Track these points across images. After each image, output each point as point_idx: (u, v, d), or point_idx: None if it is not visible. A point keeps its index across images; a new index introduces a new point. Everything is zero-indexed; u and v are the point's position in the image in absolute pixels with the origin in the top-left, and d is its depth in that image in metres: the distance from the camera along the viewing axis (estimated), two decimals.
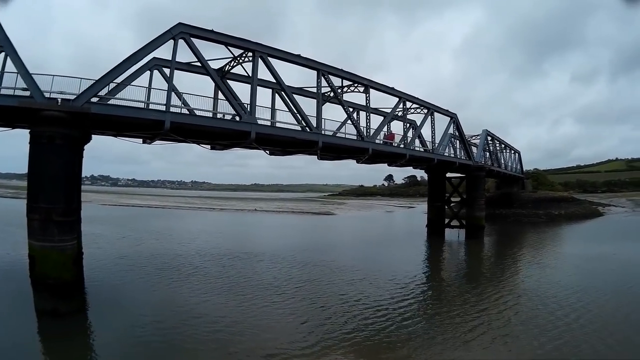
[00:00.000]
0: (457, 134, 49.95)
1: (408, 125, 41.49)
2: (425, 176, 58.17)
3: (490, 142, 62.70)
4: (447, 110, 47.32)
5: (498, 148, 68.02)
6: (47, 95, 20.14)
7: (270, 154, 32.97)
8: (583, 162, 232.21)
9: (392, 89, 37.36)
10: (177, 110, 24.14)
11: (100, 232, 43.95)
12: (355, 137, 33.59)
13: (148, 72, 25.64)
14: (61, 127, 19.60)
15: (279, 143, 29.94)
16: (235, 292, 23.60)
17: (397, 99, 38.13)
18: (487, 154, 60.81)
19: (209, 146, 29.20)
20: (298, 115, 29.05)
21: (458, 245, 48.24)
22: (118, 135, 26.41)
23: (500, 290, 25.75)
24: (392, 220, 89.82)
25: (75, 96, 20.50)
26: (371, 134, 34.74)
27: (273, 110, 30.12)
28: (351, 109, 34.84)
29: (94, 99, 21.17)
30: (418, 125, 43.49)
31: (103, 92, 21.71)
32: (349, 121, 33.40)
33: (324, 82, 30.45)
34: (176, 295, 22.87)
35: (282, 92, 29.80)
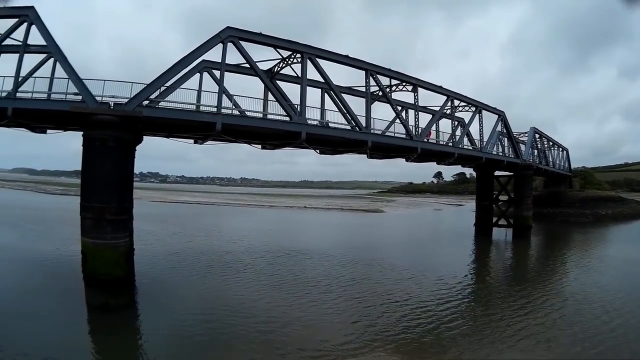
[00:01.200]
0: (505, 131, 48.05)
1: (456, 123, 40.03)
2: (475, 173, 56.12)
3: (538, 139, 60.15)
4: (495, 108, 45.39)
5: (546, 146, 65.32)
6: (98, 99, 20.08)
7: (321, 153, 32.02)
8: (631, 159, 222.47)
9: (440, 87, 35.92)
10: (228, 111, 23.51)
11: (150, 229, 43.96)
12: (403, 136, 32.32)
13: (197, 75, 25.17)
14: (113, 130, 19.36)
15: (328, 143, 28.99)
16: (284, 290, 22.92)
17: (444, 97, 36.70)
18: (535, 151, 58.44)
19: (259, 146, 28.56)
20: (347, 115, 28.05)
21: (505, 245, 46.20)
22: (170, 137, 26.04)
23: (546, 292, 24.44)
24: (440, 218, 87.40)
25: (126, 100, 20.31)
26: (419, 132, 33.46)
27: (322, 110, 29.24)
28: (399, 108, 33.55)
29: (145, 102, 20.83)
30: (466, 123, 42.05)
31: (153, 95, 21.38)
32: (397, 120, 32.28)
33: (372, 82, 29.37)
34: (225, 292, 22.34)
35: (331, 92, 28.93)
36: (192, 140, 27.14)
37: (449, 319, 19.26)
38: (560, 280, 28.73)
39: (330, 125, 27.49)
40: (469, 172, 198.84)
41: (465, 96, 39.83)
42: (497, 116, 45.88)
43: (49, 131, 25.68)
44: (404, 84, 33.33)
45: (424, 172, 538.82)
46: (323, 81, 27.90)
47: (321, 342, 15.83)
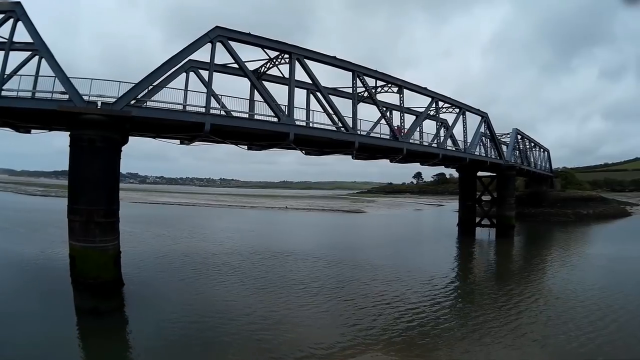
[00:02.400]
0: (487, 133, 48.77)
1: (440, 124, 40.57)
2: (455, 174, 56.77)
3: (520, 140, 61.19)
4: (479, 110, 46.11)
5: (527, 146, 66.46)
6: (85, 98, 19.95)
7: (306, 153, 32.32)
8: (611, 159, 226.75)
9: (425, 89, 36.43)
10: (216, 112, 23.69)
11: (133, 231, 43.80)
12: (388, 137, 32.82)
13: (183, 74, 25.35)
14: (101, 130, 19.32)
15: (316, 143, 29.30)
16: (273, 293, 22.98)
17: (429, 99, 37.23)
18: (517, 152, 59.35)
19: (246, 146, 28.69)
20: (334, 116, 28.37)
21: (489, 244, 46.91)
22: (157, 137, 26.04)
23: (535, 291, 24.86)
24: (422, 218, 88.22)
25: (114, 99, 20.28)
26: (405, 133, 33.90)
27: (308, 111, 29.46)
28: (384, 109, 33.96)
29: (132, 101, 20.87)
30: (449, 124, 42.62)
31: (140, 95, 21.40)
32: (383, 121, 32.78)
33: (358, 83, 29.71)
34: (214, 295, 22.37)
35: (318, 93, 29.18)
36: (179, 141, 27.25)
37: (440, 319, 19.46)
38: (547, 278, 29.25)
39: (316, 126, 27.81)
40: (449, 172, 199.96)
41: (450, 98, 40.45)
42: (480, 117, 46.54)
43: (33, 131, 25.53)
44: (389, 85, 33.71)
45: (403, 172, 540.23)
46: (309, 82, 28.17)
47: (314, 344, 15.93)
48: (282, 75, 28.96)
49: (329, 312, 20.11)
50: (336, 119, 28.32)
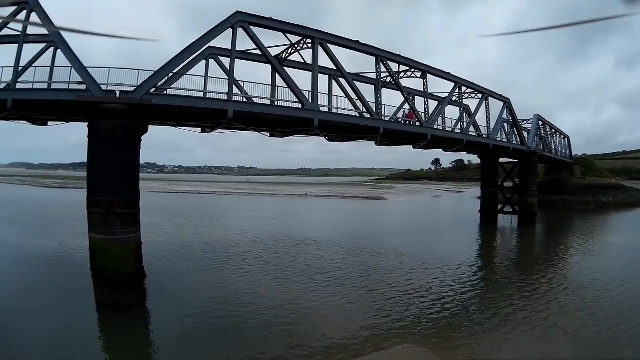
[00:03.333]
0: (510, 119, 47.33)
1: (462, 110, 39.28)
2: (474, 160, 55.36)
3: (540, 126, 59.50)
4: (501, 95, 44.56)
5: (548, 133, 64.79)
6: (103, 88, 19.11)
7: (329, 140, 31.16)
8: (628, 147, 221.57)
9: (448, 74, 35.11)
10: (238, 99, 22.65)
11: (154, 221, 42.97)
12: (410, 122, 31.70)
13: (203, 63, 24.53)
14: (121, 120, 18.46)
15: (340, 129, 28.22)
16: (298, 283, 22.21)
17: (452, 84, 35.94)
18: (537, 139, 57.70)
19: (268, 133, 27.74)
20: (358, 101, 27.16)
21: (511, 232, 45.48)
22: (178, 126, 25.14)
23: (561, 280, 23.91)
24: (442, 205, 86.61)
25: (132, 88, 19.42)
26: (429, 119, 32.71)
27: (330, 97, 28.38)
28: (408, 94, 32.67)
29: (152, 90, 20.00)
30: (471, 110, 41.22)
31: (160, 83, 20.51)
32: (407, 107, 31.65)
33: (382, 68, 28.49)
34: (238, 286, 21.50)
35: (341, 79, 28.23)
36: (200, 129, 26.39)
37: (469, 310, 18.71)
38: (573, 267, 27.93)
39: (340, 112, 26.77)
40: (468, 159, 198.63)
41: (473, 83, 39.09)
42: (502, 103, 45.10)
43: (50, 123, 24.69)
44: (412, 70, 32.46)
45: (421, 158, 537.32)
46: (331, 68, 27.32)
47: (344, 337, 15.23)
48: (303, 62, 28.05)
49: (356, 303, 19.26)
50: (360, 105, 27.14)
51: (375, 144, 32.33)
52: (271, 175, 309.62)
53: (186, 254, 28.43)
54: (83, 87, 19.21)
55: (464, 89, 38.17)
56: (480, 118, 42.08)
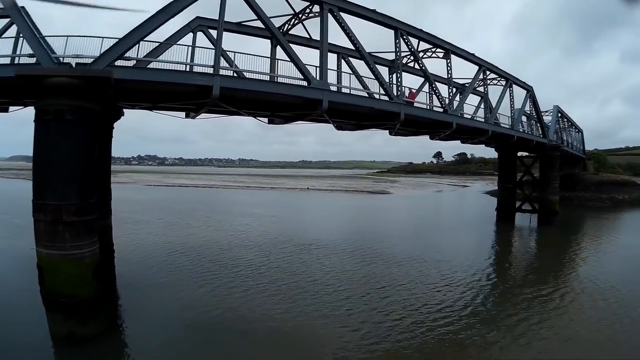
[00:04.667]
0: (532, 109, 42.44)
1: (482, 98, 34.25)
2: (476, 153, 50.82)
3: (559, 119, 54.55)
4: (525, 83, 39.69)
5: (564, 126, 59.79)
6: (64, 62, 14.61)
7: (338, 127, 26.06)
8: (631, 143, 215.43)
9: (473, 55, 30.05)
10: (228, 74, 17.69)
11: (144, 219, 38.81)
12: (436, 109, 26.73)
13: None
14: (73, 99, 13.60)
15: (352, 115, 23.05)
16: (301, 302, 17.58)
17: (476, 68, 31.02)
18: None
19: (266, 119, 22.85)
20: (375, 82, 22.10)
21: (531, 232, 40.82)
22: (154, 108, 20.10)
23: (595, 291, 20.02)
24: (451, 200, 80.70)
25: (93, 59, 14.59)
26: (454, 106, 27.78)
27: (339, 77, 23.38)
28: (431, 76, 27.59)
29: (122, 63, 15.26)
30: (489, 97, 36.00)
31: (133, 54, 15.93)
32: (427, 91, 26.81)
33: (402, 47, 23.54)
34: (230, 306, 16.96)
35: (351, 59, 23.42)
36: (184, 114, 21.52)
37: (480, 321, 16.16)
38: (606, 275, 23.07)
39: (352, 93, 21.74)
40: (470, 152, 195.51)
41: (497, 67, 34.11)
42: (525, 91, 40.23)
43: (11, 108, 19.68)
44: (434, 49, 27.55)
45: (423, 152, 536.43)
46: (340, 45, 23.45)
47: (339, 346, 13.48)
48: (308, 37, 23.20)
49: (364, 328, 15.12)
50: (377, 87, 22.11)
51: (390, 133, 27.45)
52: (272, 168, 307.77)
53: (173, 263, 23.46)
54: (34, 60, 14.73)
55: (486, 73, 33.13)
56: (502, 108, 37.20)
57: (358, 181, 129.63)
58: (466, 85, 31.12)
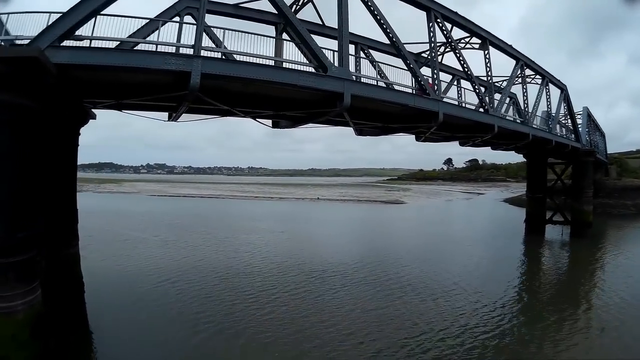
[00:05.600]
0: (565, 110, 37.60)
1: (512, 99, 29.28)
2: (488, 159, 46.44)
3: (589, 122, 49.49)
4: (559, 81, 34.90)
5: (587, 130, 54.77)
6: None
7: (359, 132, 21.37)
8: (636, 147, 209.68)
9: (511, 46, 25.42)
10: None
11: (138, 236, 34.36)
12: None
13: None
14: None
15: (379, 115, 18.43)
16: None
17: (513, 62, 26.30)
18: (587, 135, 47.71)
19: (269, 121, 18.16)
20: (406, 74, 17.28)
21: (564, 246, 36.10)
22: (122, 107, 15.38)
23: None
24: (469, 210, 74.58)
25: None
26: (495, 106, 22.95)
27: (358, 68, 18.78)
28: (465, 68, 22.34)
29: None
30: (518, 99, 31.06)
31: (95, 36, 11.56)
32: (460, 87, 22.12)
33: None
34: None
35: (369, 50, 18.65)
36: (167, 115, 16.87)
37: None
38: None
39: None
40: (482, 158, 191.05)
41: (534, 62, 29.35)
42: (560, 91, 35.44)
43: None
44: (469, 38, 22.83)
45: (432, 158, 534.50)
46: (357, 34, 18.97)
47: None
48: (320, 23, 18.53)
49: None
50: (408, 79, 17.35)
51: (418, 138, 22.83)
52: (281, 176, 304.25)
53: (160, 299, 18.59)
54: None
55: (524, 69, 28.30)
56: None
57: (369, 190, 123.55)
58: (492, 82, 26.13)
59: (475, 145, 27.33)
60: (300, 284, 21.25)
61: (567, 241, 37.91)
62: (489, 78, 23.10)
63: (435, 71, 17.85)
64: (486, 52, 22.84)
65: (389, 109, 16.86)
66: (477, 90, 21.18)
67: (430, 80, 17.69)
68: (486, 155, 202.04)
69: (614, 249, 34.00)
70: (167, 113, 16.69)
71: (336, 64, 13.76)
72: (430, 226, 48.56)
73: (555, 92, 34.85)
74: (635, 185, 69.58)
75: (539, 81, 31.68)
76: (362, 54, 20.09)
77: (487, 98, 21.93)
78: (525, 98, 28.76)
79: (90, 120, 15.95)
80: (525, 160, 42.69)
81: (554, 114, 33.63)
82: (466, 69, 20.96)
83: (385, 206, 75.09)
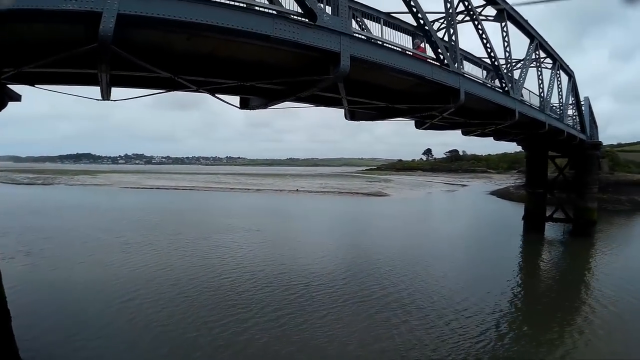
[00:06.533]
0: (572, 99, 33.84)
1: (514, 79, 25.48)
2: (469, 150, 43.36)
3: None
4: (568, 66, 31.09)
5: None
6: None
7: (351, 117, 17.01)
8: (618, 140, 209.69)
9: (527, 22, 21.35)
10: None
11: (100, 237, 30.02)
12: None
13: None
14: None
15: (381, 92, 14.20)
16: None
17: (527, 41, 22.39)
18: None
19: (237, 99, 13.88)
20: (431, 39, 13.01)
21: (567, 245, 33.07)
22: (33, 81, 10.97)
23: None
24: (456, 203, 70.36)
25: None
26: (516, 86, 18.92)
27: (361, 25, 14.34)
28: (484, 40, 18.36)
29: None
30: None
31: None
32: (480, 64, 18.01)
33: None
34: None
35: (363, 19, 14.24)
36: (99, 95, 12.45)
37: None
38: None
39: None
40: (462, 149, 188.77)
41: (548, 44, 25.45)
42: (567, 77, 31.65)
43: None
44: (484, 6, 18.71)
45: (410, 149, 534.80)
46: None
47: None
48: None
49: None
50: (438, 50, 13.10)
51: (420, 125, 18.82)
52: (259, 166, 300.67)
53: (104, 330, 14.24)
54: None
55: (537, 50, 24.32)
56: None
57: (350, 180, 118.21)
58: (511, 59, 22.01)
59: (484, 134, 23.49)
60: (281, 304, 17.01)
61: (571, 240, 34.71)
62: (507, 55, 19.00)
63: (454, 38, 13.68)
64: (503, 24, 18.83)
65: (397, 83, 12.70)
66: (499, 67, 17.12)
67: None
68: (466, 146, 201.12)
69: (622, 248, 31.25)
70: (98, 89, 12.25)
71: (330, 10, 9.56)
72: (419, 223, 44.49)
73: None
74: (629, 180, 66.70)
75: (548, 65, 27.87)
76: (354, 24, 15.81)
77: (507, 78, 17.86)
78: (540, 82, 24.82)
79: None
80: (505, 152, 40.09)
81: (563, 103, 29.81)
82: (486, 42, 16.83)
83: (368, 199, 70.65)
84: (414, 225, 42.62)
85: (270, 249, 27.78)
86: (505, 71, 17.95)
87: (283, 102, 12.77)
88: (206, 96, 11.72)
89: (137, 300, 17.13)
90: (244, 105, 13.81)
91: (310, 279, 20.48)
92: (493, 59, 16.94)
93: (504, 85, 17.44)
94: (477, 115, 18.43)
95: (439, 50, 12.43)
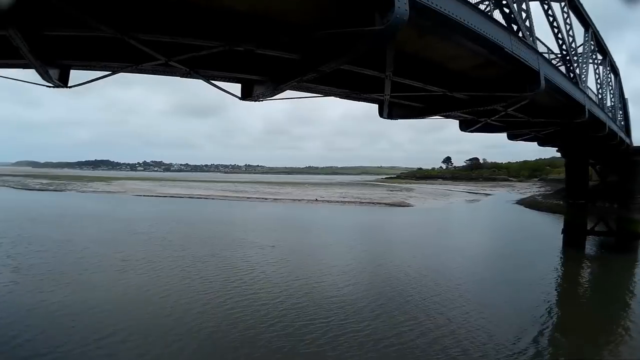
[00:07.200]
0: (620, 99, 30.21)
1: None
2: (489, 159, 39.95)
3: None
4: (615, 63, 27.48)
5: None
6: None
7: (388, 113, 13.35)
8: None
9: (583, 7, 17.98)
10: None
11: (100, 252, 26.89)
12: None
13: None
14: None
15: (437, 75, 10.51)
16: None
17: (582, 29, 18.86)
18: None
19: (238, 87, 10.65)
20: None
21: (614, 262, 29.86)
22: None
23: None
24: (485, 214, 66.11)
25: None
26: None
27: None
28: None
29: None
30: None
31: None
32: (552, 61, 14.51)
33: None
34: None
35: None
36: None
37: None
38: None
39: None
40: (483, 157, 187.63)
41: (600, 34, 22.01)
42: (613, 75, 28.00)
43: None
44: None
45: (429, 156, 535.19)
46: None
47: None
48: None
49: None
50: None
51: (464, 127, 15.32)
52: (278, 174, 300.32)
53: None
54: None
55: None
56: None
57: (370, 189, 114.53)
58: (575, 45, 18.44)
59: (537, 139, 19.93)
60: (295, 348, 13.63)
61: (615, 256, 31.39)
62: (571, 40, 15.41)
63: (524, 6, 10.13)
64: (563, 3, 15.32)
65: (458, 60, 9.19)
66: (567, 54, 13.61)
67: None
68: (483, 154, 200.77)
69: None
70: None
71: None
72: (448, 237, 40.21)
73: None
74: None
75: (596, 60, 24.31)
76: None
77: (575, 68, 14.35)
78: (597, 78, 21.27)
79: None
80: (525, 160, 37.03)
81: (614, 103, 26.24)
82: (552, 20, 13.33)
83: (391, 209, 66.92)
84: (443, 240, 38.04)
85: (285, 271, 24.20)
86: (575, 60, 14.41)
87: (297, 83, 9.13)
88: (224, 102, 8.36)
89: (116, 336, 13.84)
90: (247, 94, 10.36)
91: (332, 312, 16.93)
92: (562, 42, 13.40)
93: (571, 76, 13.91)
94: (538, 112, 14.89)
95: (512, 15, 8.92)
